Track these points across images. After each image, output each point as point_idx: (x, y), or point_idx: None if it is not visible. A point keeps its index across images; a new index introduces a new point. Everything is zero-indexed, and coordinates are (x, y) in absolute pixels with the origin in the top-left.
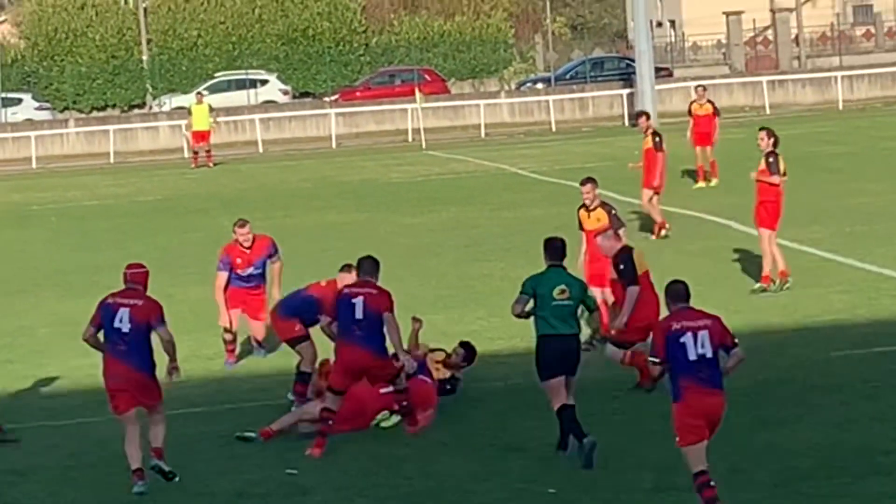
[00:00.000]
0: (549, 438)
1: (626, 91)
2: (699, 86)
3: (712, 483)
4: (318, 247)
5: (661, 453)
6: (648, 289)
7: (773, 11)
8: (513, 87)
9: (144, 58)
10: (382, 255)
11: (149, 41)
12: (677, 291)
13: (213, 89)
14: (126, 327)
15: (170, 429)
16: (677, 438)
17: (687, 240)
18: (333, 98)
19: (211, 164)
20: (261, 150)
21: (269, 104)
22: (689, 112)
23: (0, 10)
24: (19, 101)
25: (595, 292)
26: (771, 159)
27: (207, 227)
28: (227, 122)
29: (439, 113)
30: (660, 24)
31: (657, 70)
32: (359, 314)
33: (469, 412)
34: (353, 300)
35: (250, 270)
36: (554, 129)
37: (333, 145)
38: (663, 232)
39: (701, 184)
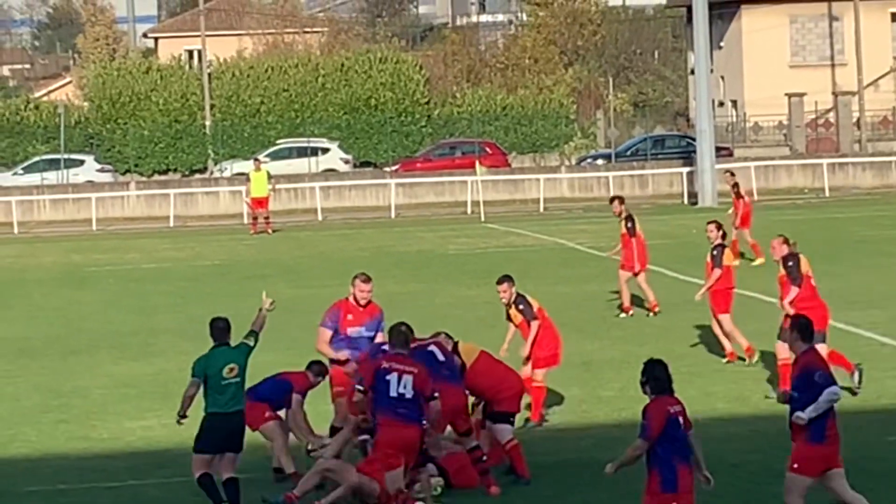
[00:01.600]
0: None
1: (686, 169)
2: (727, 171)
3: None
4: None
5: None
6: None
7: (835, 94)
8: (573, 162)
9: (207, 123)
10: (438, 327)
11: (212, 106)
12: (400, 335)
13: (275, 156)
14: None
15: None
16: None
17: (741, 320)
18: (394, 168)
19: (270, 231)
20: (320, 217)
21: (329, 172)
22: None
23: (65, 72)
24: (81, 162)
25: (539, 374)
26: (716, 252)
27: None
28: (288, 190)
29: (499, 186)
30: (721, 104)
31: (718, 149)
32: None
33: (519, 487)
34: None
35: (361, 330)
36: None
37: (392, 215)
38: (653, 312)
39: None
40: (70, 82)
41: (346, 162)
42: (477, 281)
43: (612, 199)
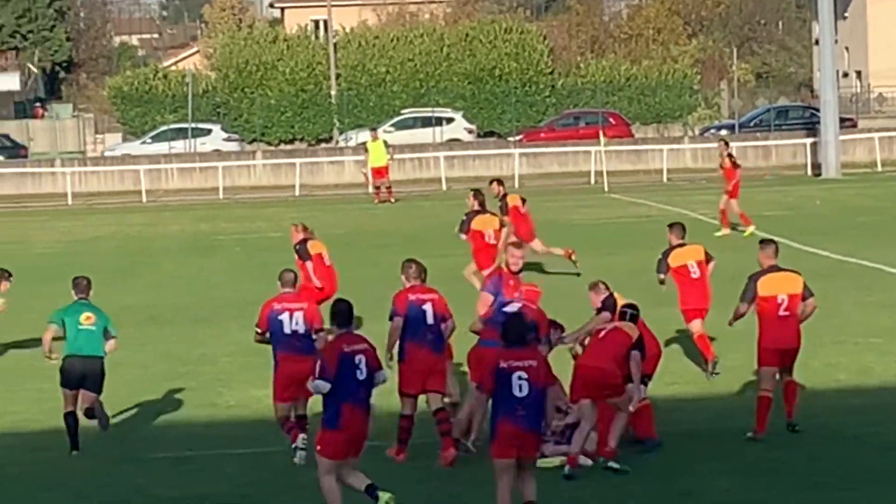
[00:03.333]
0: (723, 483)
1: (809, 140)
2: (721, 140)
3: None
4: None
5: None
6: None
7: None
8: (696, 132)
9: (333, 92)
10: (559, 297)
11: (337, 76)
12: (289, 275)
13: (399, 126)
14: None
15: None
16: (274, 396)
17: (865, 291)
18: (518, 138)
19: (392, 200)
20: (444, 187)
21: (453, 142)
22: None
23: (192, 42)
24: (209, 131)
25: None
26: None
27: (387, 263)
28: (412, 159)
29: (622, 156)
30: (846, 75)
31: (841, 120)
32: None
33: (644, 456)
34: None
35: (517, 296)
36: None
37: (516, 185)
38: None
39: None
40: (197, 52)
41: (470, 132)
42: (600, 252)
43: (491, 182)
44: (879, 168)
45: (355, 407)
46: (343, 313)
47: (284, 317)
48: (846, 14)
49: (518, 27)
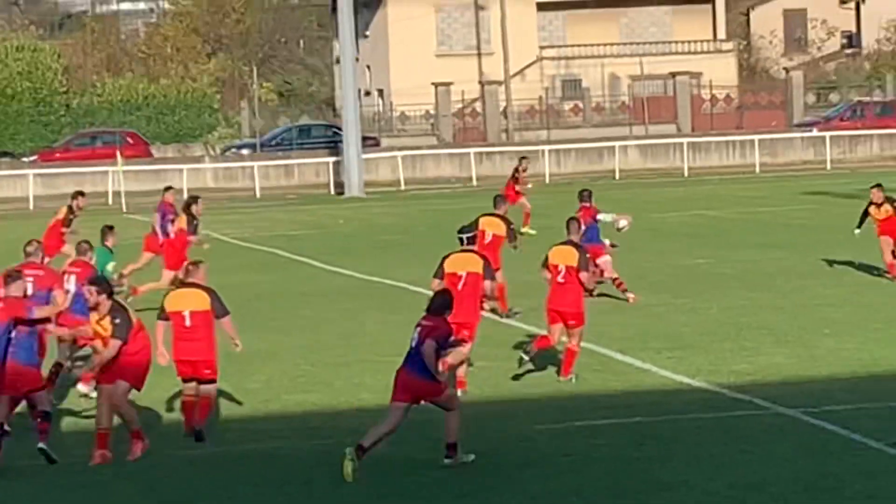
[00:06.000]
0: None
1: (332, 159)
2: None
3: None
4: None
5: None
6: None
7: (481, 84)
8: (218, 152)
9: None
10: None
11: None
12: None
13: None
14: None
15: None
16: None
17: (389, 310)
18: (32, 159)
19: None
20: None
21: None
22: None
23: None
24: None
25: None
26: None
27: None
28: None
29: (141, 176)
30: (368, 94)
31: (364, 139)
32: None
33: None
34: None
35: None
36: (259, 195)
37: (31, 207)
38: None
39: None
40: None
41: None
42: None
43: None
44: (403, 186)
45: None
46: None
47: None
48: (367, 33)
49: (31, 45)
